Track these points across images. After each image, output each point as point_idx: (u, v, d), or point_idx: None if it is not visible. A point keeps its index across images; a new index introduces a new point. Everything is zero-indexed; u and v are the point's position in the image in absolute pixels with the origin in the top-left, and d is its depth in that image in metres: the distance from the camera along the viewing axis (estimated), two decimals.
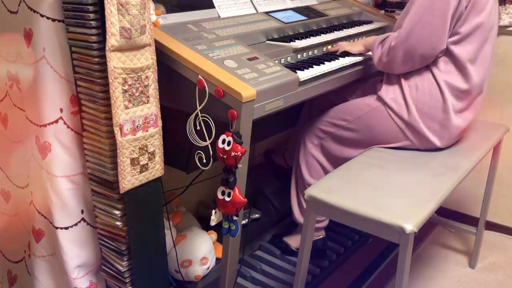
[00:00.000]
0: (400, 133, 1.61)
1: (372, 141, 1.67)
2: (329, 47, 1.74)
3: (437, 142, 1.60)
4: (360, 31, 1.93)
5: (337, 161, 1.73)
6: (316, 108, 1.95)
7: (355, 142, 1.70)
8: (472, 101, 1.63)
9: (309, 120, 1.85)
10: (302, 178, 1.81)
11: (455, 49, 1.53)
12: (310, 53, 1.66)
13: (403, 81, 1.60)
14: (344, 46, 1.70)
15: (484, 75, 1.63)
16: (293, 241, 1.95)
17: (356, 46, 1.68)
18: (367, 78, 1.82)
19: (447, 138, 1.61)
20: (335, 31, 1.84)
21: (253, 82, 1.25)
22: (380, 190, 1.39)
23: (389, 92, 1.62)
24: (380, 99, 1.63)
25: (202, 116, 1.22)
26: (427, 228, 2.40)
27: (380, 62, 1.61)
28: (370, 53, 1.68)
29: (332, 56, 1.66)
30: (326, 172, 1.78)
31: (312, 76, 1.45)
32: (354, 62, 1.66)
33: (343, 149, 1.73)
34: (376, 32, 2.01)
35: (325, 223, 1.88)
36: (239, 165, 1.23)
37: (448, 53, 1.54)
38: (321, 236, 1.91)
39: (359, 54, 1.69)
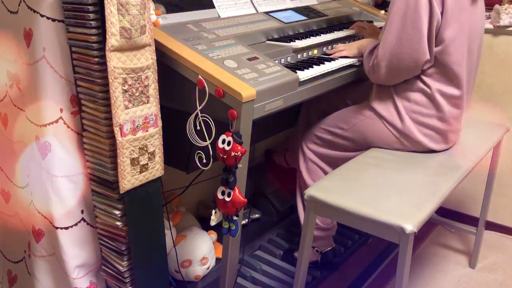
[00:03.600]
0: (395, 140, 1.61)
1: (368, 148, 1.66)
2: (315, 51, 1.70)
3: (435, 146, 1.60)
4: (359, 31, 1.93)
5: (336, 163, 1.73)
6: (314, 109, 1.95)
7: (352, 149, 1.70)
8: (465, 104, 1.63)
9: (307, 123, 1.84)
10: (305, 184, 1.80)
11: (444, 57, 1.50)
12: (310, 53, 1.66)
13: (394, 94, 1.58)
14: (342, 49, 1.68)
15: (472, 75, 1.61)
16: None
17: (351, 50, 1.67)
18: (366, 78, 1.82)
19: (445, 142, 1.61)
20: (335, 31, 1.84)
21: (253, 82, 1.25)
22: (380, 190, 1.39)
23: (380, 102, 1.61)
24: (372, 108, 1.63)
25: (202, 116, 1.22)
26: (427, 228, 2.40)
27: (369, 75, 1.60)
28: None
29: (331, 56, 1.66)
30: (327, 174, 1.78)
31: (312, 76, 1.45)
32: (354, 62, 1.66)
33: (340, 153, 1.72)
34: None
35: (333, 231, 1.86)
36: (239, 165, 1.23)
37: (437, 62, 1.52)
38: (330, 248, 1.88)
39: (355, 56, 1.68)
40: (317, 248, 1.86)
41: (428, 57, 1.49)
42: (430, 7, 1.44)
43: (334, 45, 1.78)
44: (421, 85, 1.55)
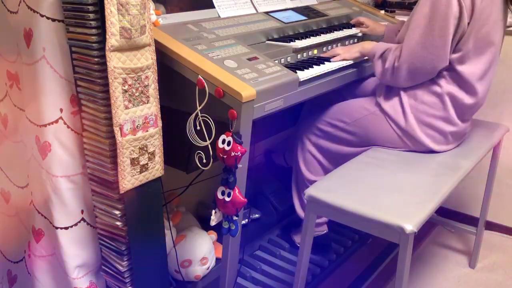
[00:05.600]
0: (397, 138, 1.61)
1: (369, 143, 1.67)
2: (315, 51, 1.69)
3: (436, 147, 1.60)
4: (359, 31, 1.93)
5: (334, 158, 1.73)
6: (316, 108, 1.95)
7: (352, 143, 1.70)
8: (474, 112, 1.63)
9: (309, 117, 1.85)
10: (301, 174, 1.82)
11: (457, 65, 1.51)
12: (310, 53, 1.66)
13: (401, 91, 1.59)
14: (339, 52, 1.66)
15: (488, 87, 1.62)
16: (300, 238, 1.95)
17: (352, 53, 1.65)
18: (367, 77, 1.82)
19: (446, 143, 1.62)
20: (335, 31, 1.84)
21: (253, 82, 1.25)
22: (380, 190, 1.39)
23: (387, 99, 1.61)
24: (377, 104, 1.63)
25: (202, 116, 1.22)
26: (427, 228, 2.40)
27: (383, 77, 1.59)
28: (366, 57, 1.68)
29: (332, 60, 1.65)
30: (323, 168, 1.79)
31: (312, 76, 1.45)
32: (354, 62, 1.66)
33: (340, 147, 1.73)
34: None
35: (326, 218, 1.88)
36: (239, 165, 1.23)
37: (450, 67, 1.52)
38: (324, 232, 1.91)
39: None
40: None
41: (447, 63, 1.50)
42: (460, 17, 1.44)
43: (334, 45, 1.78)
44: (431, 84, 1.55)
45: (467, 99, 1.55)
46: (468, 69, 1.51)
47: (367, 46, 1.65)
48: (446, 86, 1.54)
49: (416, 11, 1.50)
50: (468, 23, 1.46)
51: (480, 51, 1.52)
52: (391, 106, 1.60)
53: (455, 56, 1.51)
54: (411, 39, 1.49)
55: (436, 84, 1.55)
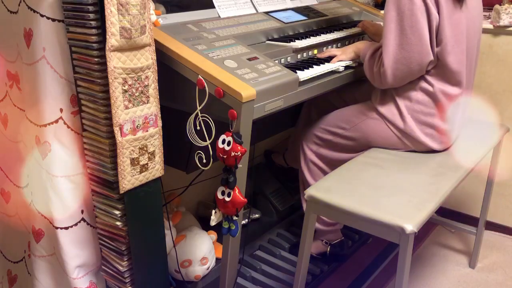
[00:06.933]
0: (397, 140, 1.61)
1: (370, 147, 1.66)
2: (315, 51, 1.69)
3: (436, 146, 1.60)
4: (360, 31, 1.93)
5: (336, 165, 1.73)
6: (315, 109, 1.95)
7: (352, 149, 1.70)
8: (465, 103, 1.63)
9: (308, 122, 1.84)
10: (307, 183, 1.81)
11: (443, 56, 1.50)
12: (310, 53, 1.66)
13: (395, 94, 1.59)
14: (335, 53, 1.65)
15: (471, 74, 1.62)
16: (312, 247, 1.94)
17: (347, 54, 1.65)
18: (366, 78, 1.82)
19: (446, 141, 1.62)
20: (335, 31, 1.84)
21: (253, 82, 1.25)
22: (380, 190, 1.39)
23: (383, 103, 1.61)
24: (374, 108, 1.63)
25: (202, 116, 1.22)
26: (427, 228, 2.40)
27: (373, 80, 1.60)
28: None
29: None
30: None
31: (312, 76, 1.45)
32: (351, 64, 1.65)
33: (341, 155, 1.73)
34: None
35: (340, 225, 1.87)
36: (239, 165, 1.23)
37: (438, 62, 1.52)
38: (339, 240, 1.91)
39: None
40: (326, 240, 1.89)
41: (432, 57, 1.49)
42: (426, 8, 1.43)
43: (334, 45, 1.77)
44: (423, 84, 1.55)
45: (456, 91, 1.55)
46: (454, 59, 1.51)
47: (361, 45, 1.66)
48: (436, 83, 1.54)
49: (385, 17, 1.50)
50: (438, 12, 1.46)
51: (460, 38, 1.51)
52: (388, 109, 1.60)
53: (438, 48, 1.50)
54: (387, 46, 1.49)
55: (427, 82, 1.54)
